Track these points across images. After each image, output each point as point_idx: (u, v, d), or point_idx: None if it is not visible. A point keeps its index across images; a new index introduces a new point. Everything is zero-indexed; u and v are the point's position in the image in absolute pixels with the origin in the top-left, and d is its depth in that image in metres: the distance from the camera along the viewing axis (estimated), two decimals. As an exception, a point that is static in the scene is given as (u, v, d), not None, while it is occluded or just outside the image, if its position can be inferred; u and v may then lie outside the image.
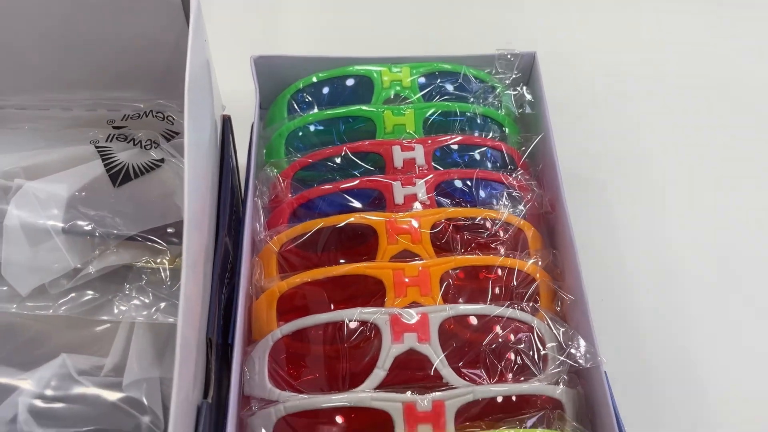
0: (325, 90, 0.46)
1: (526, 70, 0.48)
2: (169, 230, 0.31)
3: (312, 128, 0.44)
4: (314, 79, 0.46)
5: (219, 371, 0.33)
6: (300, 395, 0.33)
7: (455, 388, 0.33)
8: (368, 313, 0.35)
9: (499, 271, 0.38)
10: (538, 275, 0.38)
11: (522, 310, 0.36)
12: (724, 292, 0.50)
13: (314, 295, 0.37)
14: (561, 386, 0.34)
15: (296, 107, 0.46)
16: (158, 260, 0.30)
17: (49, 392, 0.27)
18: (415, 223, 0.38)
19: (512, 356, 0.35)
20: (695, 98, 0.61)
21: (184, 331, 0.26)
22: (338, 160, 0.42)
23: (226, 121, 0.40)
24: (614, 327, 0.47)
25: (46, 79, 0.37)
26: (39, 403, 0.27)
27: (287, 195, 0.42)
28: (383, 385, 0.33)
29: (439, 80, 0.46)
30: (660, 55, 0.64)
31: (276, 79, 0.47)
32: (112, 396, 0.28)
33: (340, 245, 0.39)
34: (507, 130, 0.45)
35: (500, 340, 0.35)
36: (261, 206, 0.41)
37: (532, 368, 0.35)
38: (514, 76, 0.47)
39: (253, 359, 0.36)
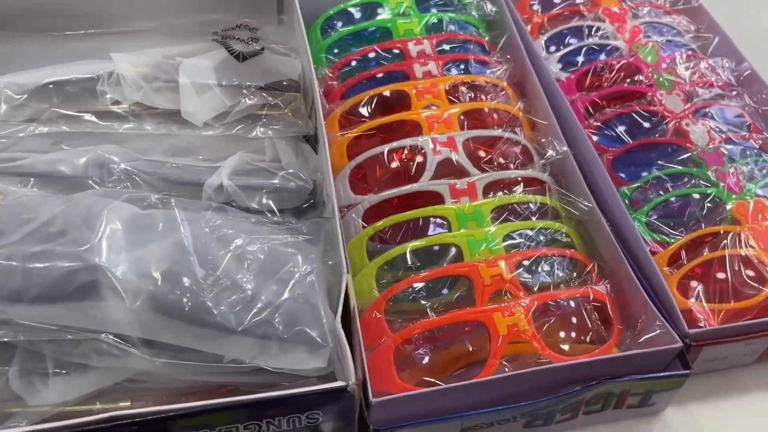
0: (349, 14, 0.62)
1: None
2: (284, 83, 0.47)
3: (345, 40, 0.60)
4: (341, 7, 0.62)
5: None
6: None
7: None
8: (416, 140, 0.51)
9: (495, 114, 0.55)
10: (520, 114, 0.55)
11: (514, 133, 0.53)
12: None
13: (370, 138, 0.53)
14: (546, 174, 0.52)
15: (328, 29, 0.62)
16: (286, 104, 0.46)
17: (237, 170, 0.42)
18: (434, 86, 0.55)
19: (510, 156, 0.52)
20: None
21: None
22: (371, 56, 0.58)
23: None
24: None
25: (162, 7, 0.52)
26: (233, 176, 0.42)
27: (335, 83, 0.58)
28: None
29: (430, 1, 0.64)
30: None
31: (311, 12, 0.63)
32: (277, 170, 0.43)
33: (383, 107, 0.55)
34: (480, 30, 0.63)
35: (503, 149, 0.52)
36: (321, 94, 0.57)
37: (526, 164, 0.52)
38: (482, -5, 0.65)
39: (337, 182, 0.51)
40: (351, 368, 0.33)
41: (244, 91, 0.45)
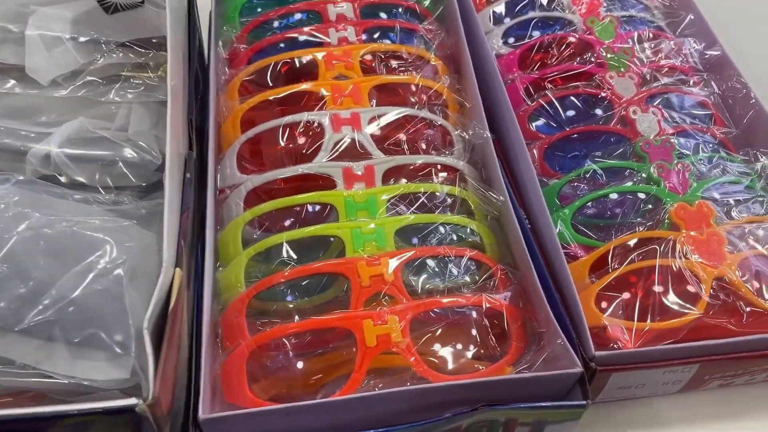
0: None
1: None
2: (153, 40, 0.41)
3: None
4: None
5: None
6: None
7: (382, 159, 0.44)
8: (314, 114, 0.45)
9: (416, 90, 0.49)
10: (444, 91, 0.49)
11: (432, 112, 0.47)
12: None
13: (269, 110, 0.47)
14: (462, 161, 0.45)
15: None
16: (149, 63, 0.40)
17: (73, 138, 0.36)
18: (348, 55, 0.48)
19: (425, 139, 0.45)
20: None
21: (174, 104, 0.35)
22: (285, 17, 0.52)
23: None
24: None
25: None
26: (66, 144, 0.36)
27: (243, 46, 0.51)
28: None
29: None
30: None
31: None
32: (121, 140, 0.37)
33: (289, 77, 0.49)
34: (419, -4, 0.56)
35: (416, 130, 0.46)
36: (222, 57, 0.51)
37: (442, 149, 0.46)
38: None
39: (224, 159, 0.45)
40: (151, 383, 0.27)
41: (103, 47, 0.39)
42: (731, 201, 0.45)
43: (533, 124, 0.50)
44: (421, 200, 0.43)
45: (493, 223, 0.44)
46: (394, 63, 0.50)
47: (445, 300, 0.37)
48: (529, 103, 0.51)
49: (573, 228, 0.44)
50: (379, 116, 0.45)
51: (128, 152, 0.36)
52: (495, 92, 0.50)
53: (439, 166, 0.45)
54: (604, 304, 0.40)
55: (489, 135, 0.45)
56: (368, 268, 0.38)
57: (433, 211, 0.43)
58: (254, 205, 0.43)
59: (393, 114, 0.46)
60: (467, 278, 0.40)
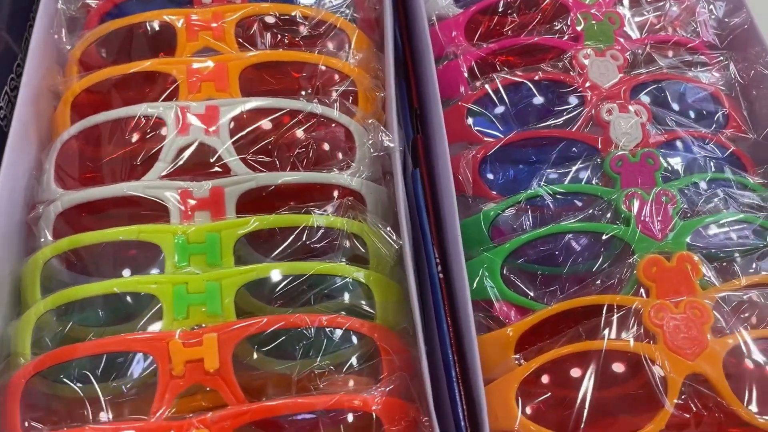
0: None
1: None
2: None
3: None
4: None
5: None
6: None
7: (239, 176, 0.32)
8: (154, 106, 0.33)
9: (313, 73, 0.36)
10: (355, 74, 0.36)
11: (324, 105, 0.34)
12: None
13: (109, 95, 0.35)
14: (360, 178, 0.33)
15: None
16: None
17: None
18: (218, 19, 0.36)
19: (310, 149, 0.33)
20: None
21: None
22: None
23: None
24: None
25: None
26: None
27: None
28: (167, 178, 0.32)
29: None
30: None
31: None
32: None
33: (143, 46, 0.36)
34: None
35: (300, 134, 0.34)
36: (66, 15, 0.39)
37: (335, 163, 0.34)
38: None
39: (43, 165, 0.34)
40: None
41: None
42: (731, 249, 0.32)
43: (473, 122, 0.37)
44: (302, 238, 0.31)
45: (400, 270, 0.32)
46: (286, 32, 0.37)
47: (284, 404, 0.26)
48: (473, 90, 0.38)
49: (504, 278, 0.32)
50: (248, 112, 0.33)
51: None
52: (424, 74, 0.37)
53: (327, 187, 0.33)
54: (527, 400, 0.29)
55: (393, 142, 0.32)
56: (184, 349, 0.27)
57: (321, 253, 0.31)
58: (66, 233, 0.32)
59: (270, 108, 0.33)
60: (338, 357, 0.29)
